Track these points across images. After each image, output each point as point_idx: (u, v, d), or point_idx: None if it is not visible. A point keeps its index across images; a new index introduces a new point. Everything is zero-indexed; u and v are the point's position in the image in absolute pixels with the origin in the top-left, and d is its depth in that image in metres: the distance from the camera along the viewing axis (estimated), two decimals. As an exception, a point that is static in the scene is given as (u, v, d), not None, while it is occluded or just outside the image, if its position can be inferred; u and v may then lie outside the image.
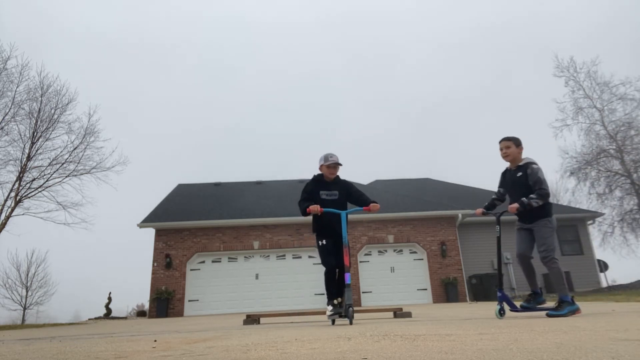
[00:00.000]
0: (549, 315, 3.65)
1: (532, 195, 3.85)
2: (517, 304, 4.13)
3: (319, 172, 4.54)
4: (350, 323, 3.66)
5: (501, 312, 3.80)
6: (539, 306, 3.98)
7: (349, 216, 4.40)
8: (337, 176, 4.55)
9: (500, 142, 4.21)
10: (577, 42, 49.49)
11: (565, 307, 3.64)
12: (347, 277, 3.89)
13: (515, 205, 3.87)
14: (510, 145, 4.11)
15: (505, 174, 4.28)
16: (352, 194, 4.50)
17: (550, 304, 4.07)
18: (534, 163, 4.01)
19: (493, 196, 4.39)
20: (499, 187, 4.36)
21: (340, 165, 4.47)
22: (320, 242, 4.36)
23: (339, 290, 4.22)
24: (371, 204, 4.22)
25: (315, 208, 4.13)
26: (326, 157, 4.45)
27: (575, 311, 3.65)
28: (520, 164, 4.07)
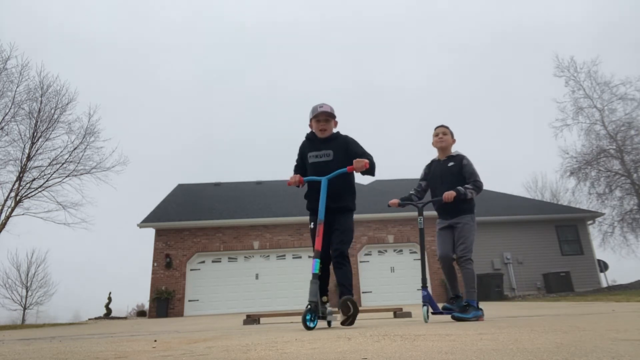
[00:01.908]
0: (454, 318, 3.47)
1: (467, 185, 3.65)
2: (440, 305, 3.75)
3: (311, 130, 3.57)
4: (306, 327, 2.73)
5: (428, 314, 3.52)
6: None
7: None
8: (336, 132, 3.51)
9: (437, 127, 3.95)
10: (577, 42, 49.51)
11: (471, 311, 3.47)
12: (314, 265, 2.92)
13: (452, 192, 3.58)
14: (448, 132, 3.91)
15: (432, 165, 4.02)
16: (351, 154, 3.37)
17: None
18: (465, 156, 3.86)
19: (411, 191, 4.05)
20: (421, 180, 4.07)
21: (334, 118, 3.43)
22: (310, 224, 3.46)
23: (325, 285, 3.32)
24: (354, 161, 3.19)
25: (294, 179, 3.34)
26: (314, 109, 3.43)
27: (479, 317, 3.49)
28: (452, 154, 3.89)
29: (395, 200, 4.00)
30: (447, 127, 3.96)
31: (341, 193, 3.39)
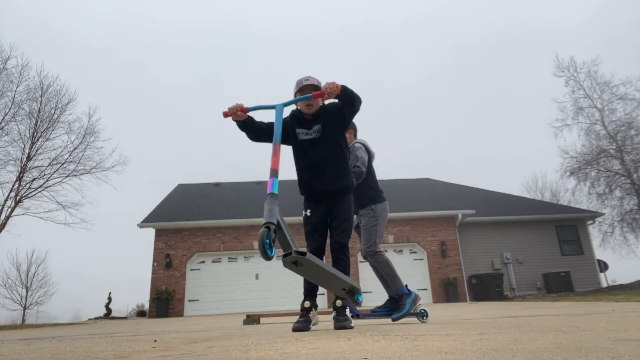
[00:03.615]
0: (394, 320, 3.21)
1: None
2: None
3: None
4: (266, 256, 1.93)
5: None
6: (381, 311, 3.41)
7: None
8: (322, 106, 2.97)
9: None
10: (577, 41, 49.53)
11: (405, 302, 3.20)
12: (272, 184, 2.22)
13: None
14: (351, 131, 3.73)
15: None
16: (339, 117, 2.94)
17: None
18: (359, 142, 3.65)
19: None
20: None
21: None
22: (304, 212, 3.03)
23: (314, 288, 2.93)
24: (323, 86, 2.70)
25: (235, 108, 2.74)
26: (299, 82, 2.95)
27: (415, 300, 3.24)
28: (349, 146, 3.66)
29: None
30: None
31: (339, 169, 2.92)
